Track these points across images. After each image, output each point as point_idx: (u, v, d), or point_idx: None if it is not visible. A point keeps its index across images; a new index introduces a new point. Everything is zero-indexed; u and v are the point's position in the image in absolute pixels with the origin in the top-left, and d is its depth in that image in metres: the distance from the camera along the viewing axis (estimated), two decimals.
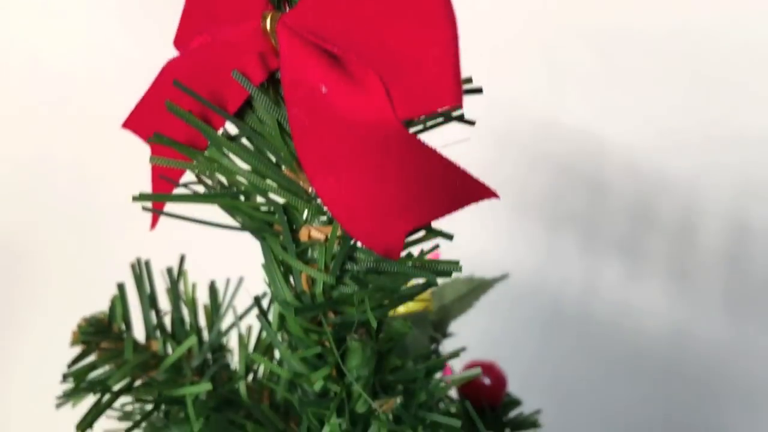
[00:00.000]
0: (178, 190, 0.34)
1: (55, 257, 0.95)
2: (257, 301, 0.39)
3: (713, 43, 0.93)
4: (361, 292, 0.32)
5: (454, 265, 0.33)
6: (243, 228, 0.34)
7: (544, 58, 0.97)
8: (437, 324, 0.57)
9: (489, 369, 0.57)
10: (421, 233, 0.33)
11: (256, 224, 0.33)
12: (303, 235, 0.33)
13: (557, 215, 1.01)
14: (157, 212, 0.33)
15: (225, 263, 0.47)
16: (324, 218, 0.33)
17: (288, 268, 0.35)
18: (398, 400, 0.39)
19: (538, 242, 1.00)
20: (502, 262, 1.00)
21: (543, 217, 1.01)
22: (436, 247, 0.61)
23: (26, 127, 0.98)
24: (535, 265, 1.00)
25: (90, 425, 0.41)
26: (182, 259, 0.44)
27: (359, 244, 0.34)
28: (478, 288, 0.56)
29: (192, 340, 0.40)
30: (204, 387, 0.40)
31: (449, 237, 0.33)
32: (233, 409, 0.43)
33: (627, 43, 0.95)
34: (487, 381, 0.56)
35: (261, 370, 0.45)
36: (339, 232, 0.33)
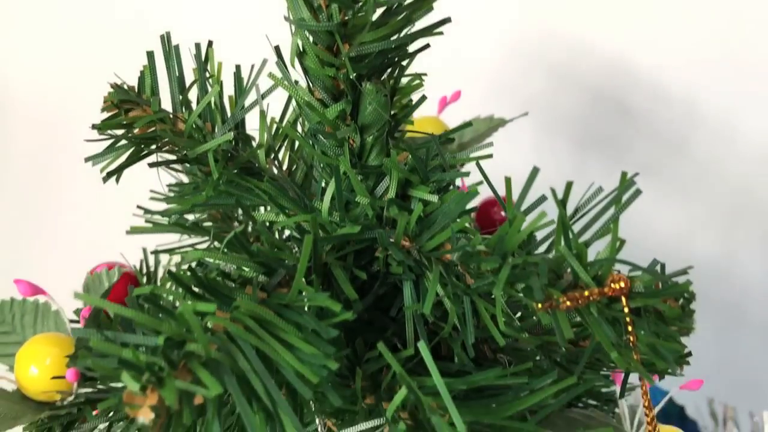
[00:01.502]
0: None
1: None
2: (276, 49, 0.41)
3: None
4: None
5: None
6: None
7: None
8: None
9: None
10: None
11: None
12: None
13: (585, 136, 1.01)
14: None
15: (250, 53, 0.48)
16: None
17: None
18: (415, 153, 0.40)
19: (565, 161, 1.01)
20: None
21: (571, 136, 1.01)
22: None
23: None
24: (560, 182, 1.01)
25: (118, 173, 0.43)
26: (210, 43, 0.47)
27: None
28: (497, 125, 0.57)
29: (215, 90, 0.42)
30: (225, 138, 0.42)
31: None
32: (253, 176, 0.45)
33: None
34: (503, 214, 0.57)
35: (281, 153, 0.47)
36: None
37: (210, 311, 0.30)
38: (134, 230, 0.52)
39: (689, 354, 0.39)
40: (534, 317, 0.39)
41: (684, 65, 0.97)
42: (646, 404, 0.37)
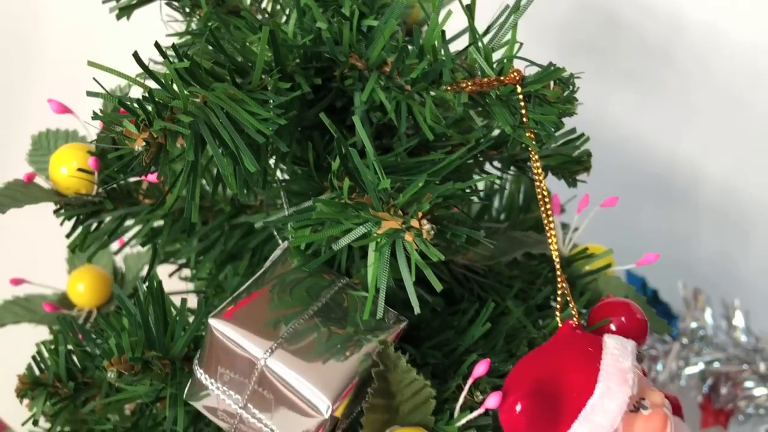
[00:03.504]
0: None
1: None
2: None
3: None
4: None
5: None
6: None
7: None
8: None
9: None
10: None
11: None
12: None
13: (572, 43, 1.09)
14: None
15: None
16: None
17: None
18: None
19: None
20: None
21: (559, 43, 1.08)
22: None
23: None
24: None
25: (128, 13, 0.53)
26: None
27: None
28: None
29: None
30: None
31: None
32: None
33: None
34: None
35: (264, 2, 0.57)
36: None
37: (185, 66, 0.40)
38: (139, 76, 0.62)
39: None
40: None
41: None
42: (539, 179, 0.47)
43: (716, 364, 0.96)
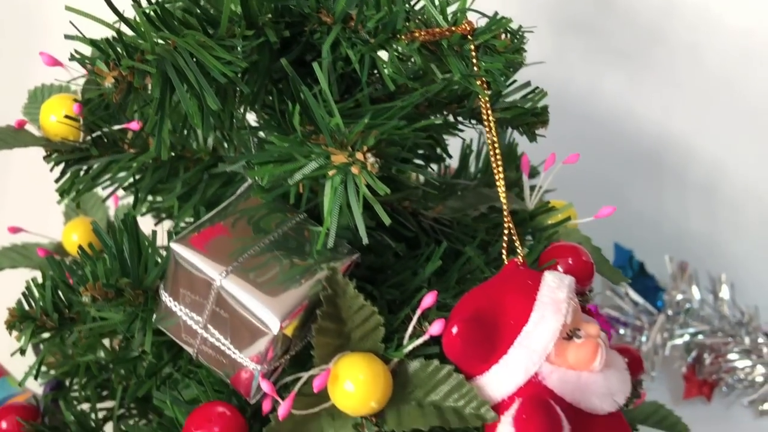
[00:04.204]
0: None
1: None
2: None
3: None
4: None
5: None
6: None
7: None
8: None
9: None
10: None
11: None
12: None
13: (566, 23, 1.11)
14: None
15: None
16: None
17: None
18: None
19: (544, 43, 1.10)
20: None
21: (551, 23, 1.11)
22: None
23: None
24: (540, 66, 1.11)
25: None
26: None
27: None
28: None
29: None
30: None
31: None
32: None
33: None
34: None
35: None
36: None
37: (154, 9, 0.43)
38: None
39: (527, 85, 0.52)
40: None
41: None
42: (489, 126, 0.50)
43: (701, 337, 0.98)
